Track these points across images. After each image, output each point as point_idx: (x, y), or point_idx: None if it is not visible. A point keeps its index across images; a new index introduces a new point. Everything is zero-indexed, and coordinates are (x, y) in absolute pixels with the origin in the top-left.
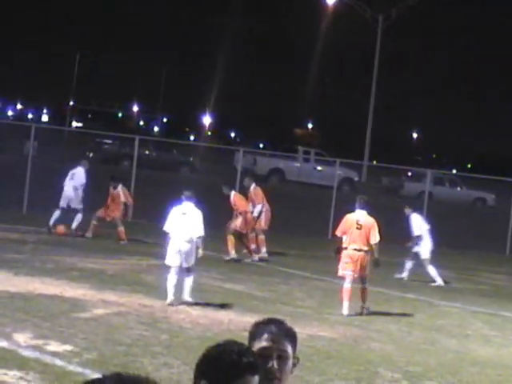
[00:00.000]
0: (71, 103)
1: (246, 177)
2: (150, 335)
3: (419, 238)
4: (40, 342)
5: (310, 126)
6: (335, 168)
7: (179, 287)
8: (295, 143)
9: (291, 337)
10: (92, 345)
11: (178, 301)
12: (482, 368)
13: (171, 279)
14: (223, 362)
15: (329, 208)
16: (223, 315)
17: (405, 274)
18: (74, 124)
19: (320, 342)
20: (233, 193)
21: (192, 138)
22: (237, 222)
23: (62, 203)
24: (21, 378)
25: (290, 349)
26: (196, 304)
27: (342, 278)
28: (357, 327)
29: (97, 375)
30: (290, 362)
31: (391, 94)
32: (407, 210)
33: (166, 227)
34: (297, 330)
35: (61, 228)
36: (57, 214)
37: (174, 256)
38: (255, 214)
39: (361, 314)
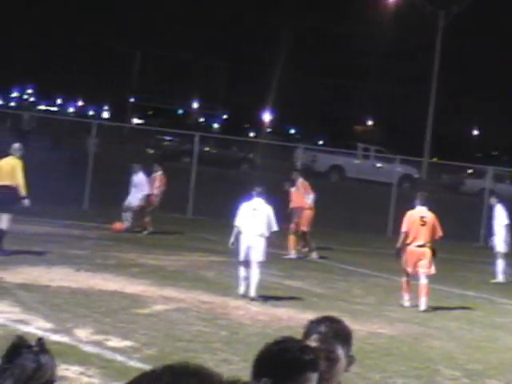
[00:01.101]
0: (132, 100)
1: (293, 171)
2: (209, 331)
3: (508, 226)
4: (101, 338)
5: (369, 122)
6: (395, 165)
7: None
8: (355, 140)
9: (342, 337)
10: (152, 340)
11: (247, 294)
12: None
13: (241, 272)
14: (285, 359)
15: (388, 205)
16: (283, 312)
17: (500, 277)
18: (135, 121)
19: (380, 339)
20: (293, 189)
21: (252, 134)
22: (296, 221)
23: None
24: (82, 373)
25: (339, 350)
26: (258, 299)
27: (405, 272)
28: (417, 324)
29: None
30: (340, 362)
31: (452, 91)
32: (493, 200)
33: (237, 222)
34: (356, 327)
35: (119, 224)
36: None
37: (243, 250)
38: (309, 201)
39: (424, 310)
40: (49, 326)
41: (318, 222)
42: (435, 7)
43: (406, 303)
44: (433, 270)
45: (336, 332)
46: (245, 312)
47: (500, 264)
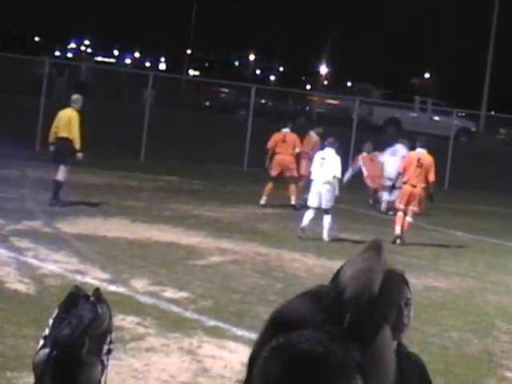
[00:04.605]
0: (189, 52)
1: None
2: (265, 283)
3: None
4: (157, 289)
5: (427, 75)
6: (452, 118)
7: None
8: (412, 93)
9: (408, 284)
10: (208, 292)
11: (305, 234)
12: None
13: (308, 214)
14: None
15: (445, 158)
16: (338, 264)
17: None
18: (191, 73)
19: (435, 293)
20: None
21: (308, 87)
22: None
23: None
24: (138, 323)
25: (410, 295)
26: (329, 241)
27: (396, 209)
28: (473, 278)
29: (213, 322)
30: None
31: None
32: None
33: (311, 171)
34: (412, 280)
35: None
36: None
37: (313, 197)
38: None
39: (393, 242)
40: (105, 276)
41: None
42: None
43: (398, 231)
44: (418, 210)
45: (405, 279)
46: (300, 264)
47: None
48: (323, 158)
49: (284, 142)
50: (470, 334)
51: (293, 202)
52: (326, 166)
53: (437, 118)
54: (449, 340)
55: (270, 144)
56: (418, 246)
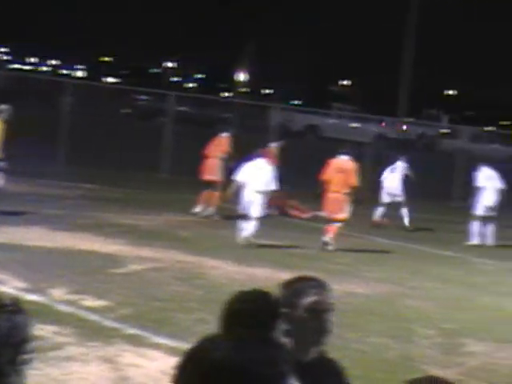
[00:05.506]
0: (107, 59)
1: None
2: (185, 291)
3: (483, 189)
4: (76, 297)
5: (345, 82)
6: (370, 125)
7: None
8: (331, 100)
9: (330, 290)
10: (128, 300)
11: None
12: None
13: (240, 224)
14: (268, 312)
15: (362, 164)
16: (260, 271)
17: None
18: (110, 80)
19: (356, 299)
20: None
21: (227, 94)
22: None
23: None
24: (57, 332)
25: (332, 301)
26: (243, 243)
27: (329, 219)
28: (393, 284)
29: (133, 330)
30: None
31: (429, 50)
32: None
33: (240, 178)
34: (333, 286)
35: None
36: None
37: (244, 205)
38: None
39: (322, 249)
40: (24, 285)
41: (297, 183)
42: None
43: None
44: (344, 216)
45: (326, 286)
46: (221, 272)
47: (474, 226)
48: (256, 168)
49: (214, 144)
50: (390, 339)
51: (197, 210)
52: (258, 176)
53: (355, 125)
54: (368, 345)
55: (206, 149)
56: (341, 253)
